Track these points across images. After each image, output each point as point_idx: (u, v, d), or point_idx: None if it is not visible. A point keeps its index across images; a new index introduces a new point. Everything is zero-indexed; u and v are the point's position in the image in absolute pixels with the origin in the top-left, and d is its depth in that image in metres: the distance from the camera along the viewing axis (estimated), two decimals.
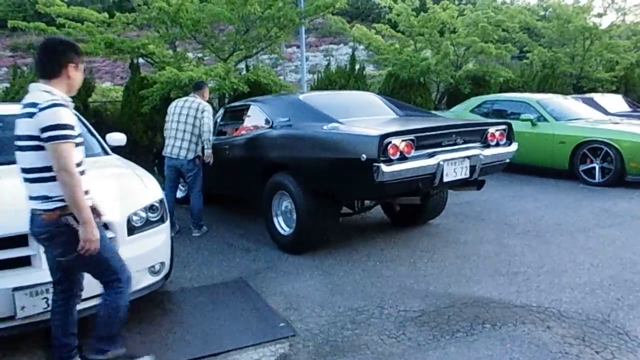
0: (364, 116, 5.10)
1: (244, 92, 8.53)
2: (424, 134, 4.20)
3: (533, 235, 5.05)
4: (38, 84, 2.45)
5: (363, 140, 3.98)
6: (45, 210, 2.39)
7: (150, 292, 3.45)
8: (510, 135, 4.88)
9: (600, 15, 15.47)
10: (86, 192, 2.46)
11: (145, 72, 9.30)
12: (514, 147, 4.87)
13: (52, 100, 2.34)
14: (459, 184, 4.60)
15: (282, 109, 5.22)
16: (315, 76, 11.88)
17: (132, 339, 3.15)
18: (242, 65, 10.03)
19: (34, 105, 2.33)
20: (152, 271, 3.42)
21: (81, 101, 8.38)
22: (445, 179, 4.21)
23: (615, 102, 11.54)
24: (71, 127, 2.35)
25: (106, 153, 4.53)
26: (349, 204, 5.07)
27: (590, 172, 7.49)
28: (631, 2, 31.74)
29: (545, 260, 4.34)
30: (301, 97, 5.50)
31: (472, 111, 9.30)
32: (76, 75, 2.53)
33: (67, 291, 2.67)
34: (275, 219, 4.89)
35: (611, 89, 15.06)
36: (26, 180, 2.43)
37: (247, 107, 5.81)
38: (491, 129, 4.71)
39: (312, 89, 10.67)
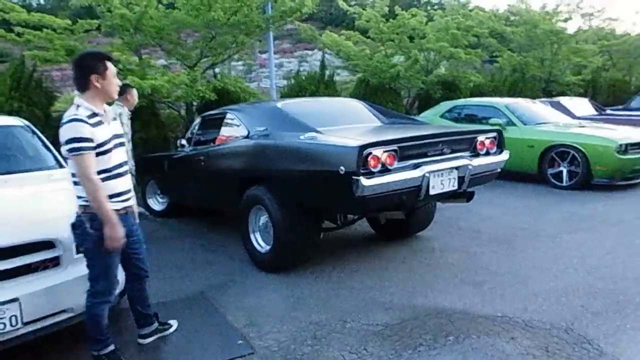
0: (346, 124, 4.84)
1: (211, 100, 8.37)
2: (407, 143, 3.93)
3: (500, 242, 5.02)
4: (76, 97, 2.74)
5: (341, 151, 3.71)
6: (79, 206, 2.74)
7: None
8: (501, 143, 4.63)
9: (566, 20, 15.71)
10: (126, 192, 2.85)
11: None
12: (505, 155, 4.61)
13: (72, 115, 2.62)
14: (447, 197, 4.37)
15: (260, 117, 4.95)
16: (287, 82, 11.78)
17: (83, 356, 3.01)
18: (211, 72, 9.86)
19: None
20: None
21: (42, 111, 8.10)
22: (432, 192, 3.94)
23: (582, 105, 11.72)
24: (86, 140, 2.58)
25: (61, 166, 4.35)
26: (331, 218, 4.81)
27: (558, 176, 7.54)
28: (596, 6, 32.43)
29: (512, 267, 4.30)
30: (279, 104, 5.23)
31: (442, 116, 9.31)
32: (104, 83, 2.72)
33: (128, 275, 3.07)
34: (252, 235, 4.58)
35: (579, 93, 15.33)
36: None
37: (224, 116, 5.49)
38: (480, 137, 4.44)
39: (282, 95, 10.57)
